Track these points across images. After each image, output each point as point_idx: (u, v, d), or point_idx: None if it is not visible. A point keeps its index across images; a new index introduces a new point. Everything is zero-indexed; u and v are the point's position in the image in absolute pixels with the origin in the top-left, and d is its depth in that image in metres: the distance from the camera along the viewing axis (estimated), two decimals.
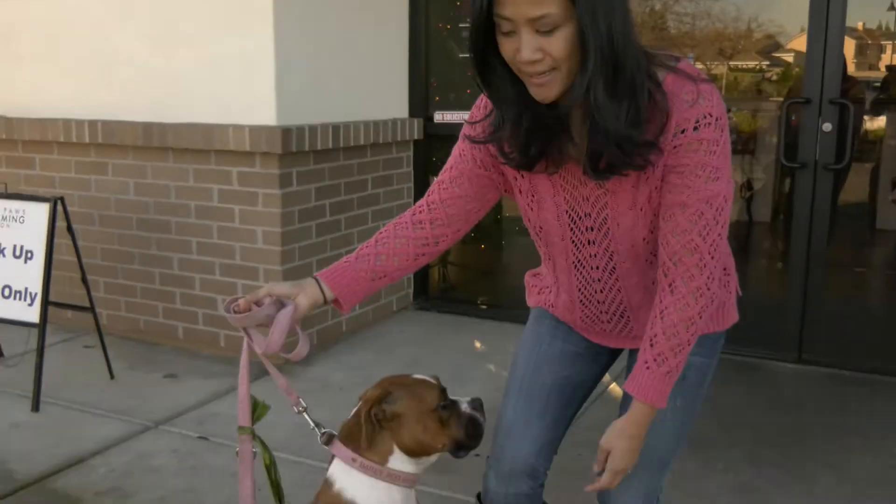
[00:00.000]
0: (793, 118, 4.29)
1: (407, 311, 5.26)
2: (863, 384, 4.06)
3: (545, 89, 1.56)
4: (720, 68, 5.00)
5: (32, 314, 3.78)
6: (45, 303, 3.76)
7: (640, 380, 1.71)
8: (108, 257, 4.64)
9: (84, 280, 3.89)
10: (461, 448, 1.77)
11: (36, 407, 3.75)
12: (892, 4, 4.46)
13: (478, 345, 4.65)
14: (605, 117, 1.53)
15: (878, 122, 4.67)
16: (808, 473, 3.19)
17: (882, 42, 4.70)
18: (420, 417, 1.73)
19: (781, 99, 4.66)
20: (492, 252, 5.43)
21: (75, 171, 4.61)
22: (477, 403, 1.81)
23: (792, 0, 4.34)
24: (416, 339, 4.72)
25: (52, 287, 3.80)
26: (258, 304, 1.77)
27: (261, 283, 4.21)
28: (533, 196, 1.82)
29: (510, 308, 4.77)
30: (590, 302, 1.93)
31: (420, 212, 1.89)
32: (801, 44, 4.28)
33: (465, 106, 4.83)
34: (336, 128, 4.28)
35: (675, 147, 1.60)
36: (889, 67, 4.70)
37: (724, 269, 1.88)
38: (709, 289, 1.66)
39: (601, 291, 1.89)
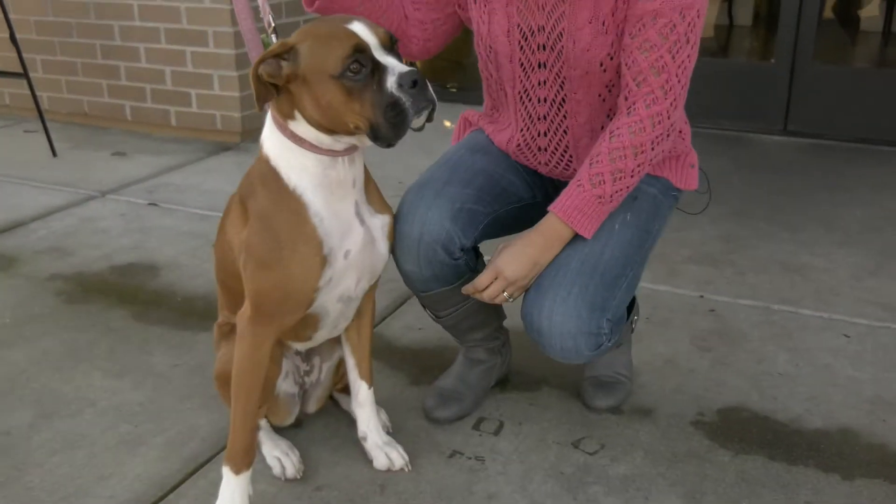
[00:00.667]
0: None
1: None
2: (852, 151, 3.87)
3: None
4: None
5: None
6: None
7: (565, 197, 1.55)
8: (44, 31, 4.24)
9: (13, 38, 3.52)
10: (377, 136, 1.35)
11: None
12: None
13: (447, 123, 4.38)
14: None
15: None
16: (795, 224, 3.03)
17: None
18: (319, 84, 1.35)
19: None
20: (462, 39, 5.08)
21: None
22: (407, 79, 1.31)
23: None
24: None
25: None
26: None
27: (211, 49, 3.87)
28: (485, 6, 1.63)
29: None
30: (529, 149, 1.74)
31: None
32: None
33: None
34: None
35: None
36: None
37: (684, 119, 1.67)
38: (669, 117, 1.49)
39: (545, 135, 1.69)
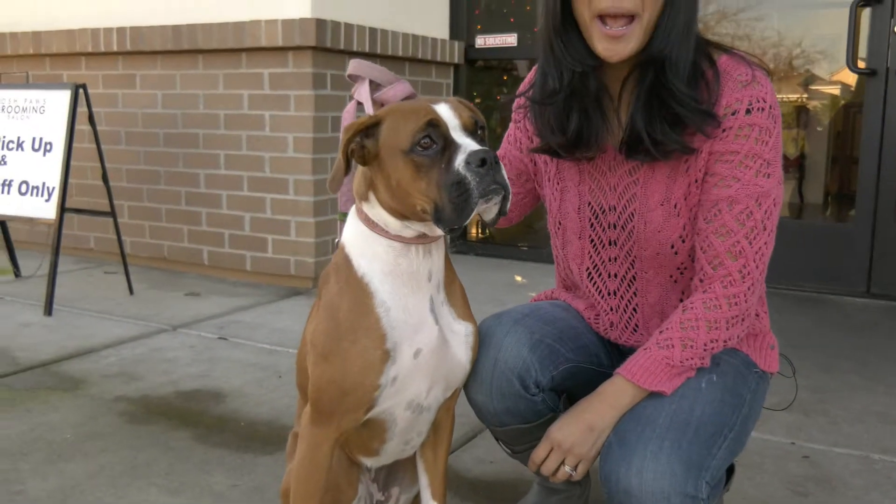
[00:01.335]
0: None
1: None
2: None
3: (620, 42, 1.44)
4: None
5: (49, 210, 3.57)
6: (64, 195, 3.54)
7: (631, 360, 1.49)
8: (134, 178, 4.44)
9: (105, 178, 3.67)
10: (440, 218, 1.27)
11: (49, 311, 3.53)
12: None
13: (518, 278, 4.37)
14: (676, 73, 1.45)
15: None
16: (888, 379, 2.86)
17: None
18: (391, 160, 1.31)
19: None
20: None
21: (103, 85, 4.43)
22: (475, 157, 1.24)
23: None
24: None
25: (71, 198, 3.60)
26: None
27: (290, 196, 3.98)
28: (558, 184, 1.66)
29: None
30: (599, 323, 1.71)
31: None
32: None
33: (508, 30, 4.69)
34: (374, 31, 4.05)
35: (724, 130, 1.44)
36: None
37: (760, 297, 1.62)
38: (747, 300, 1.47)
39: (615, 310, 1.66)
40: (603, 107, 1.55)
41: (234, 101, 4.04)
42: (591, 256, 1.66)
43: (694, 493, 1.39)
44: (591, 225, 1.64)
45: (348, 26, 3.88)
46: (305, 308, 3.70)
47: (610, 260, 1.64)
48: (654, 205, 1.54)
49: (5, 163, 3.70)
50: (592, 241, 1.65)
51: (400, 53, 4.25)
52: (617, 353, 1.72)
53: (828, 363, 3.01)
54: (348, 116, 1.63)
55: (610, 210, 1.60)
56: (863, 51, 3.95)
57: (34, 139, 3.62)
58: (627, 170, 1.57)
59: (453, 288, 1.47)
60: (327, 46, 3.77)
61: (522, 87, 1.72)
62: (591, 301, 1.71)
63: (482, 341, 1.57)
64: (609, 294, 1.67)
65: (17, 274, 4.16)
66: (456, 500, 1.96)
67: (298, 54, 3.81)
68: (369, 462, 1.57)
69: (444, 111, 1.31)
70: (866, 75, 3.95)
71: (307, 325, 1.50)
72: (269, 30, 3.78)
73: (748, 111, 1.45)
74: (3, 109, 3.72)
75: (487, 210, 1.28)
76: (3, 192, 3.68)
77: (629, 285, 1.64)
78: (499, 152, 1.79)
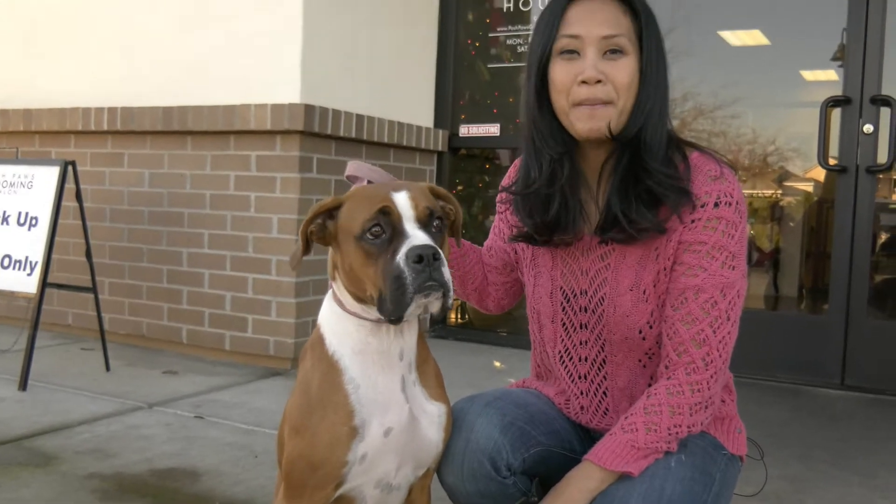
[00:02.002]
0: None
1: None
2: None
3: (595, 119, 1.52)
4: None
5: (31, 284, 3.57)
6: (46, 270, 3.54)
7: (598, 445, 1.53)
8: (117, 255, 4.45)
9: (88, 255, 3.69)
10: (381, 307, 1.30)
11: (23, 385, 3.49)
12: None
13: (497, 364, 4.38)
14: (651, 153, 1.52)
15: None
16: (865, 470, 2.87)
17: None
18: (346, 244, 1.34)
19: None
20: None
21: (91, 163, 4.48)
22: (413, 253, 1.26)
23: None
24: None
25: (53, 273, 3.62)
26: None
27: (272, 276, 4.01)
28: (533, 270, 1.74)
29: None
30: (570, 407, 1.75)
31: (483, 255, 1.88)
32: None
33: (491, 120, 4.82)
34: (360, 118, 4.15)
35: (693, 221, 1.52)
36: None
37: (725, 384, 1.70)
38: (709, 388, 1.52)
39: (584, 394, 1.72)
40: (580, 193, 1.63)
41: (221, 182, 4.10)
42: (562, 340, 1.71)
43: None
44: (563, 308, 1.69)
45: (336, 112, 3.98)
46: (283, 388, 3.69)
47: (581, 343, 1.68)
48: (624, 290, 1.59)
49: None
50: (564, 324, 1.69)
51: (385, 140, 4.35)
52: (588, 440, 1.74)
53: (804, 453, 3.02)
54: None
55: (581, 294, 1.65)
56: (834, 149, 4.09)
57: (20, 214, 3.64)
58: (599, 255, 1.63)
59: (427, 368, 1.50)
60: (315, 131, 3.86)
61: (505, 181, 1.79)
62: (563, 386, 1.74)
63: (454, 423, 1.58)
64: (580, 377, 1.70)
65: None
66: None
67: (286, 138, 3.89)
68: None
69: (401, 200, 1.33)
70: (837, 172, 4.07)
71: (287, 402, 1.52)
72: (258, 114, 3.87)
73: (716, 204, 1.52)
74: None
75: (430, 303, 1.30)
76: None
77: (599, 369, 1.68)
78: (486, 243, 1.87)
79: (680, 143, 1.60)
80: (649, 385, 1.64)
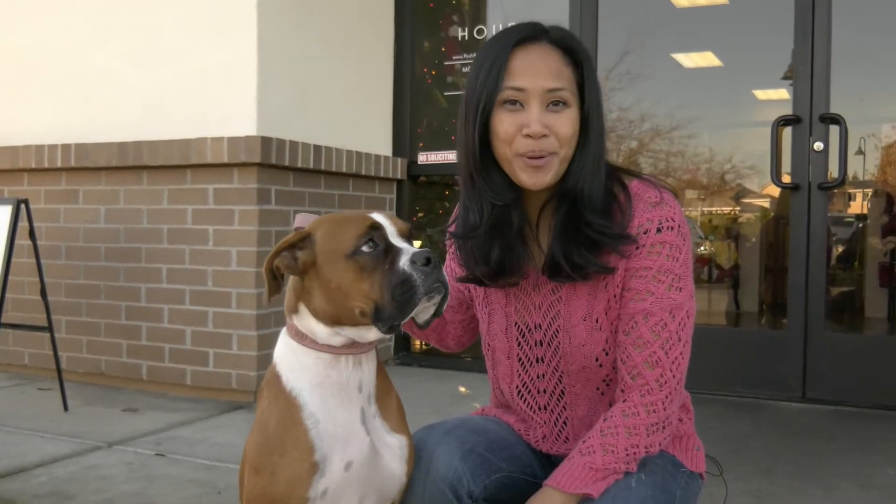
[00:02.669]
0: None
1: (388, 365, 4.97)
2: (876, 417, 3.80)
3: (541, 172, 1.53)
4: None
5: None
6: (0, 310, 3.48)
7: (556, 470, 1.54)
8: (73, 293, 4.39)
9: (43, 293, 3.63)
10: (380, 317, 1.32)
11: None
12: None
13: (463, 389, 4.36)
14: (589, 206, 1.54)
15: None
16: (826, 482, 2.90)
17: None
18: (331, 265, 1.35)
19: None
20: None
21: (45, 201, 4.42)
22: (420, 256, 1.32)
23: None
24: (397, 385, 4.42)
25: (7, 313, 3.55)
26: None
27: (233, 309, 3.97)
28: (486, 307, 1.75)
29: None
30: (531, 437, 1.75)
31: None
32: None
33: (449, 147, 4.84)
34: (318, 148, 4.15)
35: (637, 248, 1.55)
36: None
37: (683, 404, 1.72)
38: (665, 408, 1.53)
39: (545, 424, 1.73)
40: (524, 236, 1.64)
41: (178, 216, 4.07)
42: (519, 375, 1.71)
43: None
44: (519, 344, 1.69)
45: (293, 143, 3.97)
46: (246, 422, 3.64)
47: (538, 377, 1.69)
48: (577, 320, 1.61)
49: None
50: (520, 359, 1.70)
51: (344, 170, 4.35)
52: (550, 465, 1.73)
53: (767, 467, 3.05)
54: None
55: (536, 328, 1.66)
56: (786, 166, 4.16)
57: None
58: (551, 288, 1.64)
59: (388, 400, 1.50)
60: (272, 163, 3.85)
61: (451, 220, 1.79)
62: (523, 416, 1.75)
63: (414, 451, 1.57)
64: (540, 409, 1.71)
65: None
66: None
67: (243, 170, 3.88)
68: None
69: (381, 217, 1.39)
70: (790, 189, 4.14)
71: (246, 440, 1.50)
72: (214, 147, 3.85)
73: (659, 230, 1.54)
74: None
75: (425, 310, 1.35)
76: None
77: (558, 400, 1.69)
78: None
79: (619, 174, 1.62)
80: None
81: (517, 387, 1.72)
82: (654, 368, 1.52)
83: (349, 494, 1.40)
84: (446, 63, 4.96)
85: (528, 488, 1.62)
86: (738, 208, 5.28)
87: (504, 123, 1.52)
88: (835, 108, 4.04)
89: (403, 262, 1.32)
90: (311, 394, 1.39)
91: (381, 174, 4.70)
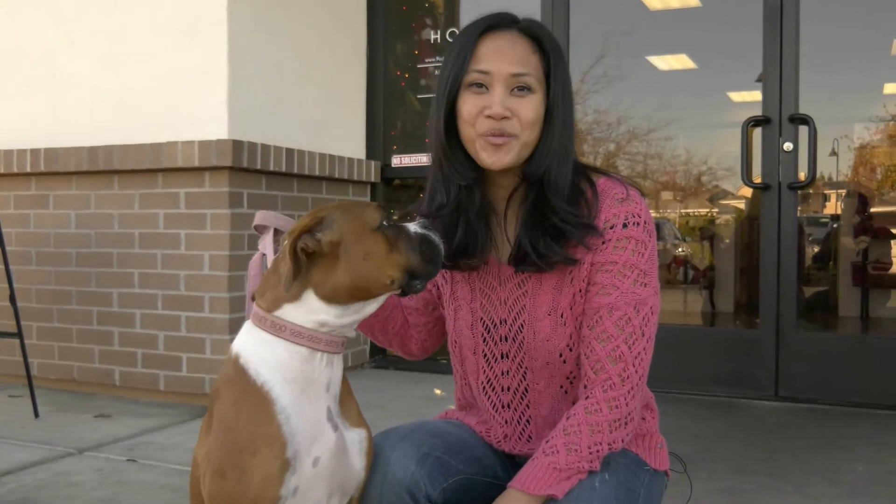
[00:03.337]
0: None
1: (363, 368, 4.96)
2: (847, 415, 3.83)
3: (501, 152, 1.55)
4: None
5: None
6: None
7: (521, 471, 1.53)
8: (44, 299, 4.35)
9: (12, 299, 3.60)
10: (416, 277, 1.46)
11: None
12: None
13: (438, 391, 4.36)
14: (556, 192, 1.56)
15: None
16: (798, 479, 2.92)
17: None
18: (359, 242, 1.41)
19: None
20: None
21: (14, 206, 4.38)
22: (425, 224, 1.52)
23: None
24: (373, 388, 4.42)
25: None
26: None
27: (206, 314, 3.95)
28: (452, 304, 1.75)
29: None
30: (493, 436, 1.75)
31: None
32: None
33: (423, 150, 4.84)
34: (290, 152, 4.14)
35: (603, 242, 1.57)
36: None
37: (647, 404, 1.73)
38: (627, 404, 1.54)
39: (508, 423, 1.73)
40: (488, 221, 1.66)
41: (150, 221, 4.04)
42: (484, 371, 1.71)
43: None
44: (484, 340, 1.69)
45: (265, 147, 3.96)
46: None
47: (503, 374, 1.69)
48: (542, 315, 1.61)
49: None
50: (485, 355, 1.70)
51: (317, 173, 4.34)
52: (513, 465, 1.73)
53: (740, 465, 3.07)
54: (255, 267, 1.65)
55: (501, 323, 1.67)
56: (757, 167, 4.20)
57: None
58: (517, 283, 1.65)
59: (348, 401, 1.50)
60: (244, 166, 3.84)
61: (418, 204, 1.80)
62: (485, 416, 1.75)
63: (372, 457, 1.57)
64: (503, 407, 1.71)
65: None
66: None
67: (215, 174, 3.86)
68: None
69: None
70: (761, 189, 4.18)
71: (198, 449, 1.46)
72: (185, 151, 3.83)
73: (625, 225, 1.56)
74: None
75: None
76: None
77: (522, 398, 1.68)
78: None
79: (587, 171, 1.64)
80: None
81: (482, 383, 1.72)
82: (617, 363, 1.53)
83: (317, 490, 1.39)
84: (419, 66, 4.97)
85: (489, 490, 1.63)
86: (714, 209, 5.32)
87: (468, 104, 1.55)
88: (804, 109, 4.08)
89: (415, 229, 1.48)
90: (284, 388, 1.37)
91: (355, 177, 4.69)
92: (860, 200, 5.27)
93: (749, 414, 3.89)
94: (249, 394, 1.37)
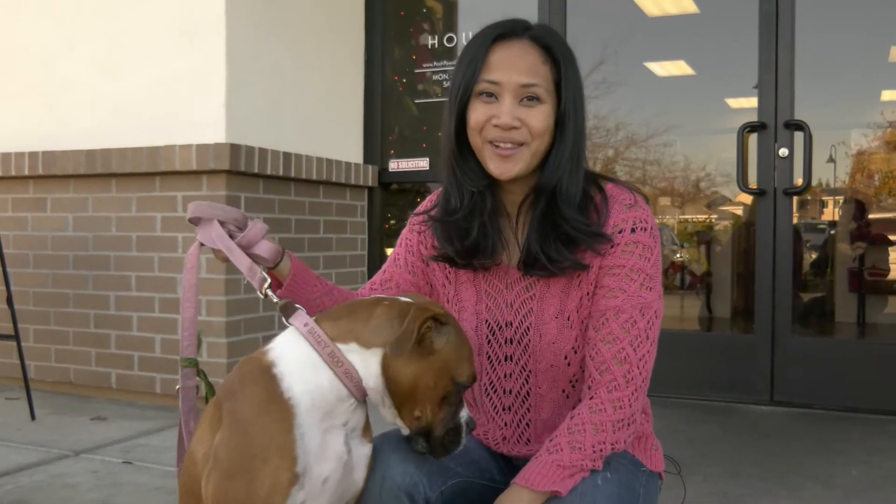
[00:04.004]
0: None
1: None
2: (841, 420, 3.84)
3: (509, 162, 1.57)
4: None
5: None
6: None
7: (525, 468, 1.54)
8: (41, 301, 4.35)
9: (10, 301, 3.60)
10: (419, 434, 1.46)
11: None
12: None
13: None
14: (567, 201, 1.58)
15: None
16: (793, 483, 2.93)
17: None
18: (437, 371, 1.42)
19: None
20: None
21: (12, 209, 4.39)
22: (473, 425, 1.50)
23: None
24: None
25: None
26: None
27: (203, 317, 3.95)
28: (455, 305, 1.76)
29: None
30: (492, 439, 1.76)
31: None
32: None
33: (420, 154, 4.86)
34: (288, 156, 4.15)
35: (612, 246, 1.59)
36: None
37: (643, 409, 1.72)
38: (630, 405, 1.55)
39: (507, 426, 1.74)
40: (500, 224, 1.68)
41: (147, 224, 4.05)
42: (487, 373, 1.72)
43: None
44: (489, 341, 1.70)
45: (262, 151, 3.97)
46: None
47: (505, 376, 1.70)
48: (549, 318, 1.63)
49: None
50: (489, 357, 1.71)
51: (314, 177, 4.35)
52: (510, 469, 1.74)
53: (735, 469, 3.08)
54: (192, 259, 1.66)
55: (506, 326, 1.68)
56: (753, 173, 4.21)
57: None
58: (524, 286, 1.66)
59: (365, 427, 1.50)
60: (241, 170, 3.84)
61: (421, 208, 1.80)
62: (484, 418, 1.75)
63: None
64: (504, 409, 1.72)
65: None
66: None
67: (213, 178, 3.87)
68: None
69: None
70: (757, 195, 4.19)
71: (197, 445, 1.45)
72: (183, 154, 3.84)
73: (633, 230, 1.58)
74: None
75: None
76: None
77: (523, 401, 1.69)
78: (380, 278, 1.83)
79: (595, 177, 1.67)
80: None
81: (484, 385, 1.73)
82: (622, 365, 1.54)
83: (320, 503, 1.40)
84: (417, 71, 4.98)
85: (486, 493, 1.64)
86: (712, 216, 5.33)
87: (476, 113, 1.58)
88: (799, 115, 4.10)
89: (464, 417, 1.47)
90: (310, 411, 1.37)
91: (352, 181, 4.70)
92: (857, 207, 5.28)
93: (744, 418, 3.90)
94: (274, 402, 1.36)
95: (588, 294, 1.60)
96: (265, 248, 1.64)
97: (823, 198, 5.33)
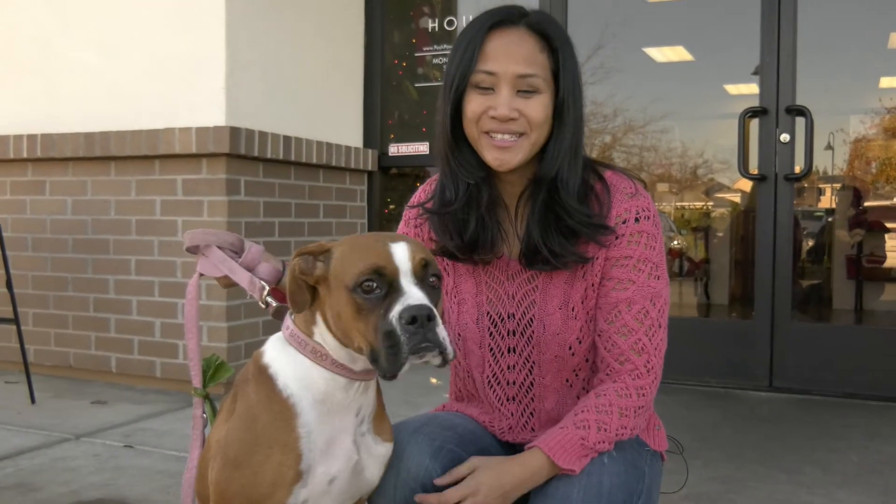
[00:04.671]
0: None
1: None
2: (840, 405, 3.86)
3: (508, 153, 1.55)
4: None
5: None
6: None
7: (549, 435, 1.52)
8: (40, 285, 4.34)
9: (9, 285, 3.59)
10: (375, 362, 1.26)
11: None
12: None
13: (433, 380, 4.37)
14: (568, 191, 1.56)
15: None
16: (792, 467, 2.94)
17: None
18: (336, 292, 1.31)
19: None
20: None
21: (11, 192, 4.37)
22: (406, 314, 1.23)
23: None
24: None
25: None
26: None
27: (203, 301, 3.94)
28: (455, 297, 1.73)
29: None
30: (496, 429, 1.75)
31: None
32: None
33: (420, 139, 4.84)
34: (287, 139, 4.13)
35: (617, 237, 1.57)
36: None
37: None
38: (651, 393, 1.58)
39: (512, 416, 1.73)
40: (498, 216, 1.66)
41: (147, 207, 4.04)
42: (490, 365, 1.71)
43: None
44: (491, 334, 1.69)
45: (262, 134, 3.96)
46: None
47: (508, 368, 1.69)
48: (553, 309, 1.62)
49: None
50: (492, 349, 1.70)
51: (314, 161, 4.34)
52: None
53: (734, 454, 3.09)
54: (193, 290, 1.66)
55: (509, 318, 1.67)
56: (753, 158, 4.20)
57: None
58: (526, 278, 1.65)
59: (382, 417, 1.48)
60: (241, 153, 3.83)
61: (415, 199, 1.79)
62: (490, 409, 1.75)
63: None
64: (508, 400, 1.71)
65: None
66: None
67: (212, 161, 3.85)
68: None
69: (399, 253, 1.30)
70: (757, 181, 4.19)
71: (215, 430, 1.46)
72: (183, 137, 3.82)
73: (637, 219, 1.58)
74: None
75: (429, 360, 1.27)
76: None
77: (527, 391, 1.69)
78: None
79: (594, 164, 1.65)
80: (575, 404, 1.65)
81: (487, 377, 1.72)
82: (640, 354, 1.55)
83: (326, 502, 1.39)
84: (417, 55, 4.96)
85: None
86: (710, 202, 5.32)
87: (473, 104, 1.55)
88: (801, 100, 4.09)
89: (393, 314, 1.24)
90: (312, 406, 1.36)
91: (352, 165, 4.69)
92: (855, 194, 5.28)
93: (743, 404, 3.91)
94: (274, 401, 1.36)
95: (594, 285, 1.60)
96: (265, 270, 1.64)
97: (821, 185, 5.34)
